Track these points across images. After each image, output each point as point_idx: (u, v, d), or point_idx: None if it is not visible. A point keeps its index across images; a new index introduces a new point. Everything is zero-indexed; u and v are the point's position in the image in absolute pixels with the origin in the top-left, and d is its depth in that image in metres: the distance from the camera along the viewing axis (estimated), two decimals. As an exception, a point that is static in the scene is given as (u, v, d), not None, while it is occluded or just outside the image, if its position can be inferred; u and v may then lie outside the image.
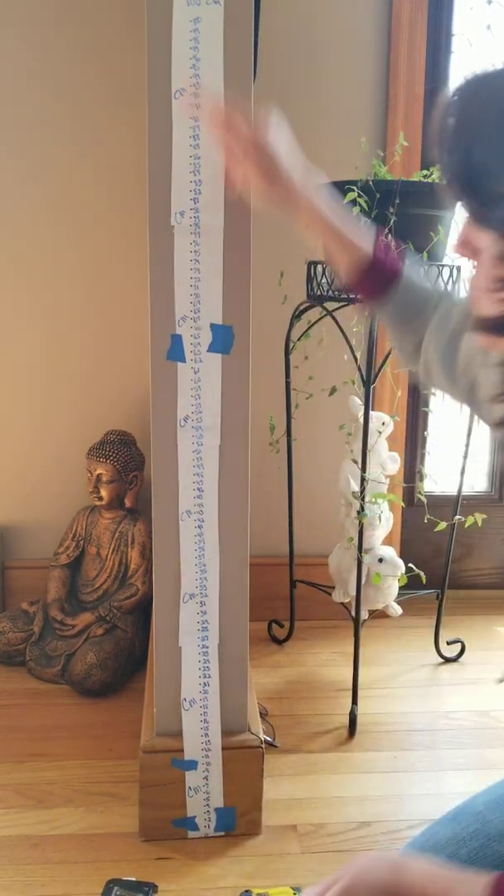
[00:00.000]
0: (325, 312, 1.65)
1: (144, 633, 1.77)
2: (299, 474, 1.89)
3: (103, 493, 1.81)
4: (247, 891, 1.11)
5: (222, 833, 1.27)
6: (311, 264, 1.57)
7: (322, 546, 1.94)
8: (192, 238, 1.11)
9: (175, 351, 1.15)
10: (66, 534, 1.89)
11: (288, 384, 1.77)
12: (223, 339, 1.15)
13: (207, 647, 1.25)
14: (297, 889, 1.11)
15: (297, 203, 1.04)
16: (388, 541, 1.80)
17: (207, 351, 1.15)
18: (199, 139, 1.08)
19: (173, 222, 1.10)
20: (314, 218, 1.05)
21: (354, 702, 1.59)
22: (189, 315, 1.14)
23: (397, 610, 1.72)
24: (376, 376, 1.45)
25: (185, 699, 1.25)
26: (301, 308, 1.66)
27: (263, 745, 1.26)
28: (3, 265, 1.84)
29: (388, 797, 1.38)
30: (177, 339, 1.14)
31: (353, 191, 1.38)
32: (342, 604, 1.76)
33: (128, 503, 1.84)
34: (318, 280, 1.55)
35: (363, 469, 1.48)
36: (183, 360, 1.15)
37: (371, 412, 1.50)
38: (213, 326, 1.14)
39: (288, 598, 1.89)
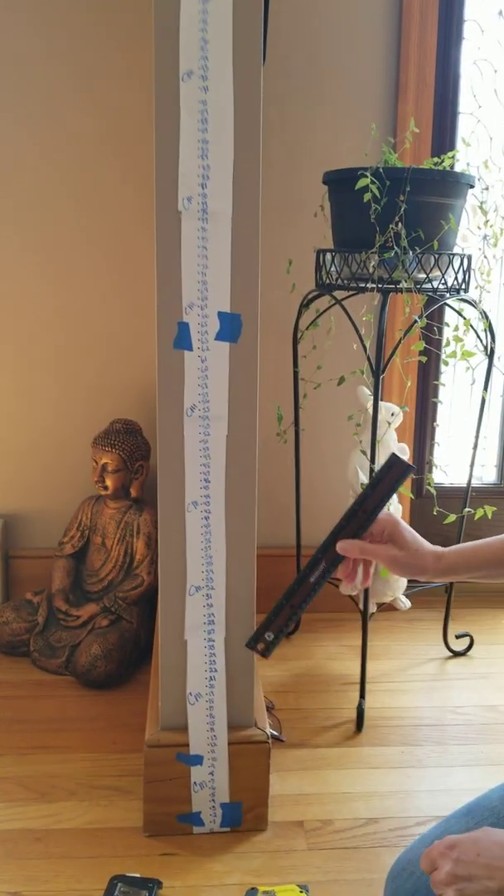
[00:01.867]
0: (333, 301, 1.63)
1: (150, 625, 1.76)
2: (307, 465, 1.87)
3: (108, 482, 1.79)
4: (253, 888, 1.09)
5: (228, 829, 1.26)
6: (320, 252, 1.54)
7: (329, 538, 1.92)
8: (200, 224, 1.08)
9: (182, 339, 1.12)
10: (70, 523, 1.87)
11: (296, 373, 1.75)
12: (231, 328, 1.12)
13: (214, 641, 1.23)
14: (303, 887, 1.10)
15: (431, 565, 1.02)
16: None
17: (215, 339, 1.13)
18: (207, 123, 1.05)
19: (180, 208, 1.08)
20: (457, 569, 1.03)
21: (362, 696, 1.57)
22: (196, 302, 1.11)
23: (406, 603, 1.70)
24: (385, 366, 1.43)
25: (190, 693, 1.23)
26: (309, 297, 1.63)
27: (270, 740, 1.25)
28: (9, 251, 1.81)
29: (396, 793, 1.37)
30: (184, 327, 1.12)
31: (366, 177, 1.35)
32: (350, 596, 1.74)
33: (133, 493, 1.82)
34: (328, 268, 1.52)
35: (372, 460, 1.45)
36: (190, 348, 1.13)
37: (380, 402, 1.48)
38: (220, 314, 1.12)
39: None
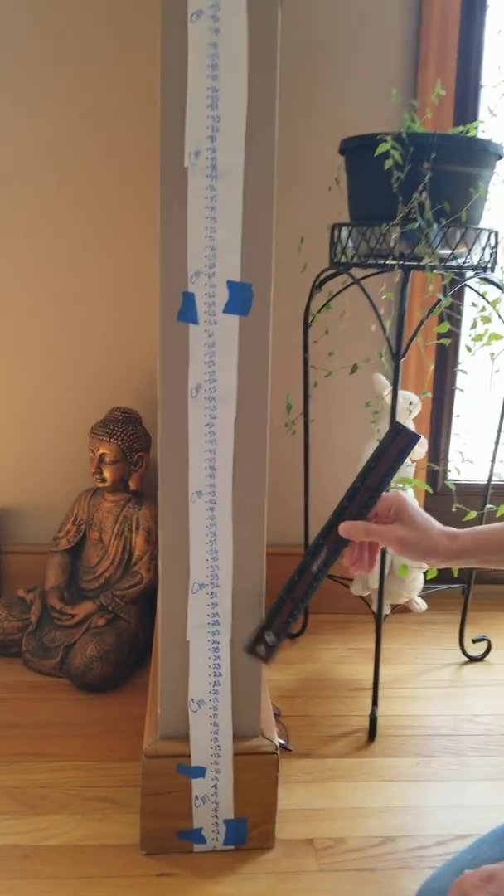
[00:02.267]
0: (348, 282, 1.53)
1: (149, 625, 1.66)
2: (316, 457, 1.77)
3: (106, 474, 1.69)
4: (259, 916, 0.99)
5: (232, 847, 1.16)
6: (336, 227, 1.44)
7: (339, 535, 1.82)
8: (209, 182, 0.98)
9: (187, 311, 1.02)
10: (66, 517, 1.77)
11: (306, 360, 1.65)
12: (241, 299, 1.02)
13: (219, 643, 1.13)
14: (315, 915, 1.00)
15: (444, 547, 0.92)
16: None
17: (223, 311, 1.03)
18: (217, 69, 0.95)
19: (187, 164, 0.98)
20: (473, 550, 0.93)
21: (375, 703, 1.47)
22: (203, 270, 1.01)
23: (421, 605, 1.60)
24: (407, 349, 1.33)
25: (192, 699, 1.13)
26: (322, 277, 1.53)
27: (279, 752, 1.15)
28: (0, 232, 1.72)
29: (412, 808, 1.27)
30: (189, 298, 1.02)
31: (386, 141, 1.25)
32: (361, 597, 1.64)
33: (132, 486, 1.72)
34: (343, 245, 1.42)
35: (390, 450, 1.35)
36: (195, 321, 1.03)
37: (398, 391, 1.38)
38: (229, 284, 1.02)
39: (302, 590, 1.77)
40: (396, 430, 0.94)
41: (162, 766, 1.13)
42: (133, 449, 1.70)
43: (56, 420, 1.82)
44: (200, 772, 1.13)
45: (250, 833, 1.16)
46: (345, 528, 0.93)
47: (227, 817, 1.15)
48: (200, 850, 1.15)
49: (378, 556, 0.96)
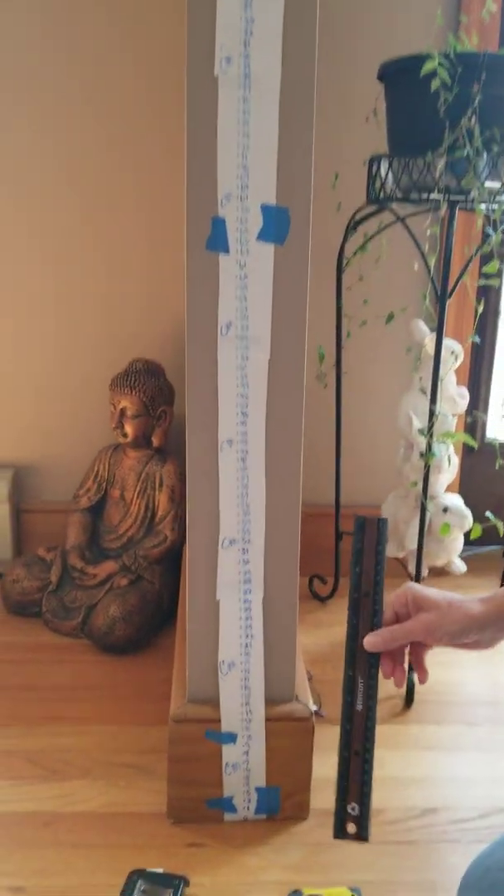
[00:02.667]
0: (384, 223, 1.43)
1: (173, 586, 1.59)
2: (349, 412, 1.68)
3: (128, 429, 1.61)
4: (296, 891, 0.93)
5: (264, 816, 1.09)
6: (375, 160, 1.34)
7: (372, 495, 1.74)
8: (241, 93, 0.88)
9: (216, 239, 0.93)
10: (86, 475, 1.70)
11: (339, 308, 1.55)
12: (276, 225, 0.93)
13: (250, 602, 1.05)
14: (355, 890, 0.93)
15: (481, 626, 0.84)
16: (449, 489, 1.59)
17: (256, 239, 0.94)
18: (251, -37, 0.85)
19: (217, 72, 0.88)
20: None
21: (412, 668, 1.39)
22: (235, 193, 0.92)
23: (461, 567, 1.51)
24: (453, 290, 1.23)
25: (222, 662, 1.06)
26: (358, 216, 1.43)
27: (314, 717, 1.07)
28: (23, 175, 1.63)
29: (453, 779, 1.20)
30: (219, 224, 0.93)
31: (433, 58, 1.14)
32: (397, 559, 1.56)
33: (155, 442, 1.65)
34: (383, 179, 1.32)
35: (433, 400, 1.26)
36: (226, 250, 0.94)
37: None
38: (264, 208, 0.93)
39: (332, 552, 1.69)
40: (359, 524, 0.89)
41: (190, 731, 1.06)
42: (156, 402, 1.62)
43: (75, 373, 1.74)
44: (231, 738, 1.06)
45: (283, 802, 1.09)
46: (369, 643, 0.85)
47: (258, 786, 1.08)
48: (231, 819, 1.09)
49: (425, 655, 0.89)
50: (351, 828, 0.80)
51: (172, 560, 1.61)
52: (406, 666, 0.88)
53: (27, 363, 1.74)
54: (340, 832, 0.80)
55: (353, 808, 0.80)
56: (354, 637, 0.86)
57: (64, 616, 1.55)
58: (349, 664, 0.85)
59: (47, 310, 1.71)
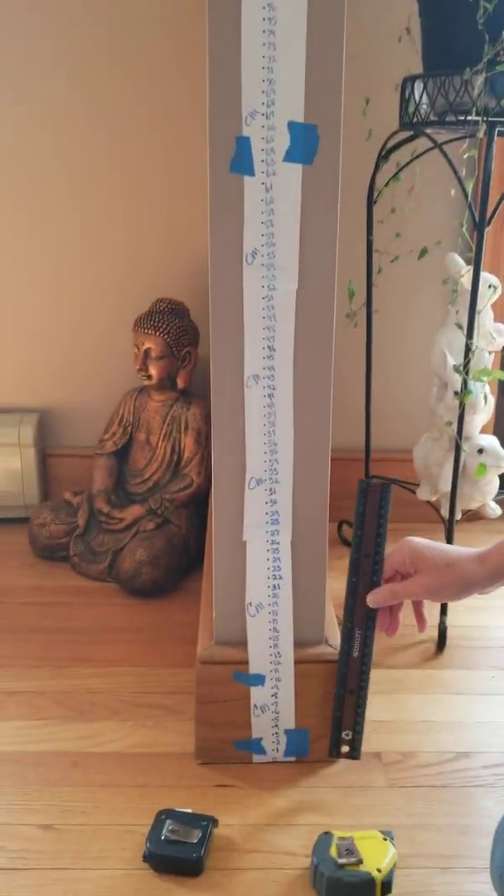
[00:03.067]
0: (417, 151, 1.36)
1: (200, 530, 1.57)
2: (380, 352, 1.62)
3: (152, 370, 1.58)
4: (327, 833, 0.91)
5: (293, 759, 1.08)
6: (408, 81, 1.27)
7: (402, 438, 1.69)
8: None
9: (240, 160, 0.88)
10: (111, 418, 1.67)
11: (370, 243, 1.49)
12: (305, 144, 0.88)
13: (278, 544, 1.03)
14: (387, 833, 0.92)
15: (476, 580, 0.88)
16: (484, 430, 1.54)
17: (283, 160, 0.88)
18: None
19: (241, -24, 0.82)
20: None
21: (444, 612, 1.37)
22: (260, 110, 0.87)
23: (496, 510, 1.47)
24: (492, 217, 1.17)
25: (250, 603, 1.03)
26: (391, 144, 1.36)
27: (344, 660, 1.05)
28: (29, 110, 1.57)
29: (487, 724, 1.17)
30: (243, 144, 0.88)
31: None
32: (429, 503, 1.52)
33: (180, 384, 1.61)
34: (417, 102, 1.25)
35: (469, 335, 1.21)
36: (251, 172, 0.89)
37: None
38: (291, 126, 0.87)
39: (362, 496, 1.65)
40: (362, 489, 0.95)
41: (217, 672, 1.05)
42: (180, 343, 1.58)
43: (98, 317, 1.70)
44: (259, 679, 1.04)
45: (313, 745, 1.08)
46: (372, 599, 0.94)
47: (287, 727, 1.07)
48: (260, 760, 1.08)
49: (422, 609, 0.96)
50: (344, 749, 1.00)
51: (199, 503, 1.59)
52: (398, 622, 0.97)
53: (50, 308, 1.70)
54: (335, 751, 1.00)
55: (346, 734, 1.00)
56: (353, 594, 0.96)
57: (91, 560, 1.54)
58: (348, 617, 0.96)
59: (69, 253, 1.66)
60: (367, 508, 0.95)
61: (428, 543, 0.91)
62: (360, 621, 0.96)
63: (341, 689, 0.98)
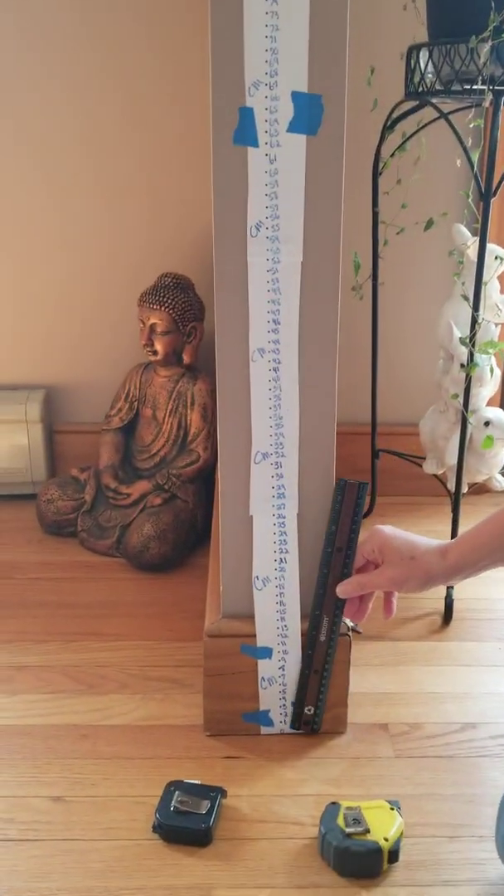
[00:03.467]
0: (423, 122, 1.34)
1: (207, 505, 1.57)
2: (386, 325, 1.62)
3: (158, 346, 1.57)
4: (335, 803, 0.92)
5: (301, 731, 1.09)
6: (413, 49, 1.25)
7: (409, 412, 1.68)
8: (269, -36, 0.81)
9: (244, 131, 0.87)
10: (117, 394, 1.67)
11: (375, 214, 1.48)
12: (309, 114, 0.87)
13: (285, 517, 1.03)
14: (394, 803, 0.93)
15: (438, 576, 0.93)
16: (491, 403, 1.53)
17: (287, 131, 0.87)
18: None
19: None
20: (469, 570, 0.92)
21: (450, 587, 1.37)
22: (263, 80, 0.85)
23: (502, 483, 1.47)
24: (498, 187, 1.15)
25: (257, 577, 1.04)
26: (396, 114, 1.35)
27: (350, 633, 1.06)
28: (43, 90, 1.55)
29: (493, 694, 1.18)
30: (246, 115, 0.87)
31: None
32: (435, 476, 1.52)
33: (186, 359, 1.61)
34: (423, 71, 1.23)
35: (475, 307, 1.20)
36: (255, 143, 0.88)
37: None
38: (295, 95, 0.86)
39: (369, 471, 1.65)
40: (339, 486, 0.99)
41: (225, 645, 1.05)
42: (186, 318, 1.57)
43: (104, 292, 1.69)
44: (267, 652, 1.05)
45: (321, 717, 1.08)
46: (341, 590, 0.98)
47: (295, 699, 1.07)
48: (268, 732, 1.09)
49: (392, 598, 0.99)
50: (307, 723, 1.05)
51: (206, 479, 1.59)
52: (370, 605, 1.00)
53: (55, 285, 1.69)
54: (295, 724, 1.06)
55: (309, 710, 1.05)
56: (323, 584, 1.00)
57: (99, 535, 1.55)
58: (317, 605, 1.00)
59: (74, 231, 1.65)
60: (343, 505, 0.99)
61: (396, 534, 0.94)
62: (329, 609, 1.01)
63: (306, 670, 1.03)
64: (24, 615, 1.36)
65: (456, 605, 1.37)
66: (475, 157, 1.19)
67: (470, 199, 1.23)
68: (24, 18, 1.53)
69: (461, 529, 1.41)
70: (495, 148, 1.14)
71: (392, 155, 1.40)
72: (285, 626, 1.05)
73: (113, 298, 1.69)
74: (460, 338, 1.28)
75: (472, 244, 1.31)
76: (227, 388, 0.99)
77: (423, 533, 1.66)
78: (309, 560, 1.04)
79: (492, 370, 1.35)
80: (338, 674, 1.06)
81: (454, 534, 1.36)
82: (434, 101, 1.24)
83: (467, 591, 1.42)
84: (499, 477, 1.47)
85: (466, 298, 1.23)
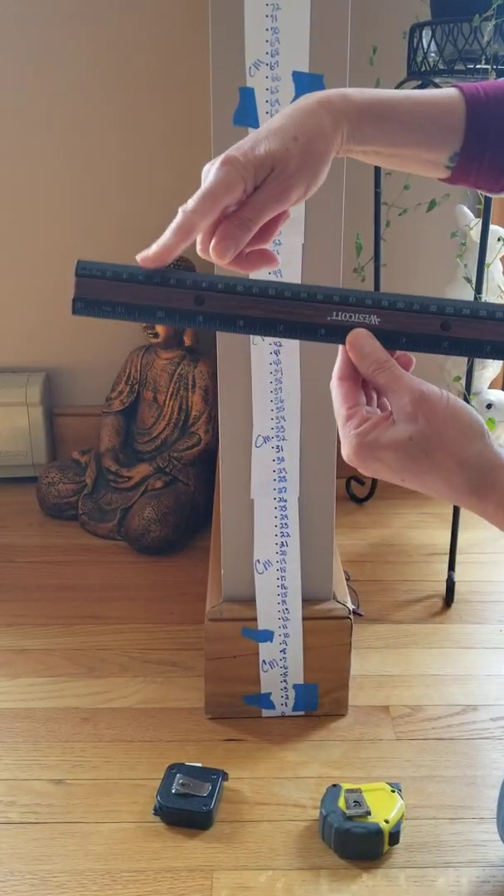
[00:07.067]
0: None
1: (208, 488, 1.57)
2: (388, 308, 1.60)
3: (159, 328, 1.57)
4: (335, 785, 0.93)
5: (302, 713, 1.09)
6: (416, 28, 1.23)
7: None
8: None
9: (245, 112, 0.86)
10: (118, 377, 1.67)
11: (377, 195, 1.46)
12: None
13: (286, 501, 1.02)
14: (394, 786, 0.93)
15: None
16: (493, 385, 1.53)
17: (289, 111, 0.86)
18: None
19: None
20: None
21: (451, 567, 1.37)
22: (264, 60, 0.84)
23: (503, 464, 1.47)
24: (500, 166, 1.14)
25: (258, 560, 1.04)
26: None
27: (351, 616, 1.06)
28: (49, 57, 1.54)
29: (494, 677, 1.18)
30: (247, 95, 0.85)
31: None
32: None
33: (187, 341, 1.60)
34: (425, 49, 1.21)
35: (478, 290, 1.19)
36: (255, 124, 0.86)
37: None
38: (296, 76, 0.85)
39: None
40: None
41: (226, 629, 1.06)
42: (187, 300, 1.56)
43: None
44: (268, 635, 1.05)
45: (322, 699, 1.09)
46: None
47: (296, 682, 1.08)
48: (269, 715, 1.09)
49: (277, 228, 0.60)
50: None
51: (207, 461, 1.59)
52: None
53: (56, 267, 1.68)
54: None
55: None
56: None
57: (100, 518, 1.55)
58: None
59: (73, 212, 1.64)
60: None
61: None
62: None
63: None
64: (24, 598, 1.36)
65: (457, 588, 1.37)
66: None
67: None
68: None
69: (462, 512, 1.40)
70: (499, 127, 1.13)
71: (394, 135, 1.38)
72: (286, 609, 1.05)
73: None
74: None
75: (475, 225, 1.30)
76: (229, 373, 0.98)
77: (423, 516, 1.66)
78: (311, 543, 1.04)
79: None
80: (339, 656, 1.06)
81: (455, 516, 1.35)
82: (437, 80, 1.23)
83: (469, 573, 1.42)
84: (500, 460, 1.46)
85: (469, 280, 1.22)
